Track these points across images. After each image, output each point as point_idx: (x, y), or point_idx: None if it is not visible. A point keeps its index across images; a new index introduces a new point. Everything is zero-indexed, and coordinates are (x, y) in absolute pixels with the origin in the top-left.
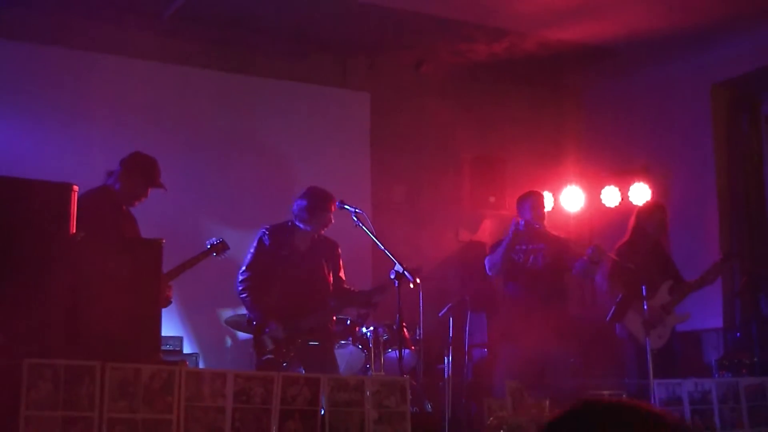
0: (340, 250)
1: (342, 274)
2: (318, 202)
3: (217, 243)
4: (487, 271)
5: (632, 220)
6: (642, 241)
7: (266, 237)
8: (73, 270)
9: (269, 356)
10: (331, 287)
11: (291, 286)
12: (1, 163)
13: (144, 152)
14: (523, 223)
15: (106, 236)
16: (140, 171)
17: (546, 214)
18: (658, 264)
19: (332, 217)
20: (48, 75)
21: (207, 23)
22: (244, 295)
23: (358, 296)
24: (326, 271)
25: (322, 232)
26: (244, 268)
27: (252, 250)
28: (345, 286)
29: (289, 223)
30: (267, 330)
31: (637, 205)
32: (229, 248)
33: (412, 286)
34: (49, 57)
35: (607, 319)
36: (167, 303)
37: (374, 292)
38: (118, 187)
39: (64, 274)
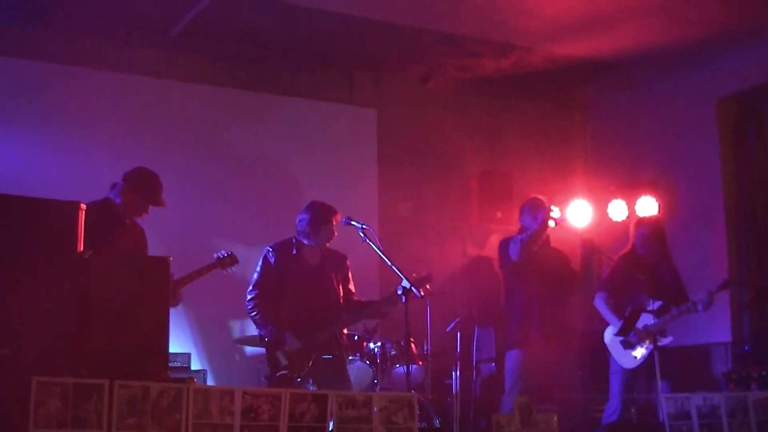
0: (349, 263)
1: (351, 286)
2: (319, 214)
3: (224, 256)
4: (514, 256)
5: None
6: (633, 257)
7: (271, 255)
8: (81, 287)
9: (284, 372)
10: (341, 300)
11: (302, 301)
12: (8, 181)
13: (147, 168)
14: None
15: (99, 250)
16: (141, 187)
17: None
18: (652, 282)
19: (335, 229)
20: (55, 93)
21: (214, 40)
22: (253, 314)
23: (368, 307)
24: (336, 285)
25: (328, 245)
26: (251, 287)
27: (258, 269)
28: (355, 298)
29: (294, 240)
30: (284, 344)
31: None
32: (237, 262)
33: (422, 293)
34: (57, 75)
35: (616, 332)
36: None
37: (384, 302)
38: (119, 201)
39: (72, 291)
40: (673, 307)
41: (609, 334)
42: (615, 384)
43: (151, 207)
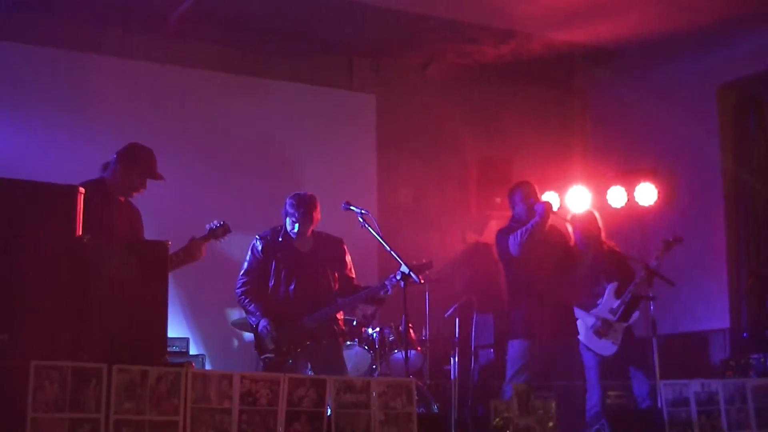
0: (345, 247)
1: (350, 272)
2: (289, 206)
3: (217, 227)
4: (514, 251)
5: None
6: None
7: (258, 243)
8: (79, 272)
9: (269, 355)
10: (336, 286)
11: (291, 287)
12: (7, 165)
13: (139, 143)
14: (541, 207)
15: (95, 229)
16: (137, 162)
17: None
18: (608, 269)
19: (306, 219)
20: (54, 78)
21: (213, 26)
22: (242, 299)
23: (363, 292)
24: (329, 271)
25: (311, 231)
26: (240, 275)
27: (247, 258)
28: (355, 283)
29: (283, 227)
30: (259, 328)
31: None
32: (230, 231)
33: (421, 280)
34: (55, 60)
35: (614, 319)
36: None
37: (379, 287)
38: (115, 179)
39: (71, 275)
40: (630, 284)
41: (581, 329)
42: (593, 376)
43: (148, 183)
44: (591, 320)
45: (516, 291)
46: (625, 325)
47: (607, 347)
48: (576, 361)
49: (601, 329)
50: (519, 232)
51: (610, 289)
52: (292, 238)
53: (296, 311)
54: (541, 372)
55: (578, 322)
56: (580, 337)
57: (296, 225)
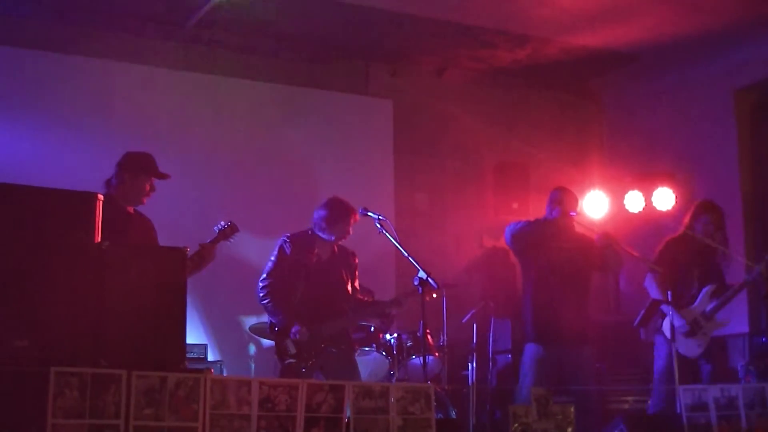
0: (357, 260)
1: (356, 284)
2: (337, 213)
3: (225, 227)
4: (506, 237)
5: (687, 216)
6: (689, 240)
7: (287, 245)
8: (99, 278)
9: (291, 360)
10: (350, 295)
11: (312, 293)
12: (23, 172)
13: (134, 150)
14: (557, 212)
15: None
16: (141, 165)
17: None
18: (702, 267)
19: (351, 228)
20: (71, 84)
21: (229, 32)
22: (265, 301)
23: (372, 307)
24: (346, 279)
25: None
26: (264, 275)
27: (273, 258)
28: (358, 296)
29: (310, 232)
30: (291, 333)
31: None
32: (238, 230)
33: (435, 295)
34: (72, 66)
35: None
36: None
37: (390, 303)
38: (123, 189)
39: (90, 282)
40: (727, 288)
41: (667, 324)
42: (662, 372)
43: (162, 191)
44: (680, 320)
45: (526, 294)
46: (715, 328)
47: (692, 348)
48: (588, 371)
49: (690, 330)
50: (518, 222)
51: (706, 291)
52: (318, 244)
53: (317, 316)
54: (553, 379)
55: (665, 320)
56: (665, 330)
57: (337, 234)
